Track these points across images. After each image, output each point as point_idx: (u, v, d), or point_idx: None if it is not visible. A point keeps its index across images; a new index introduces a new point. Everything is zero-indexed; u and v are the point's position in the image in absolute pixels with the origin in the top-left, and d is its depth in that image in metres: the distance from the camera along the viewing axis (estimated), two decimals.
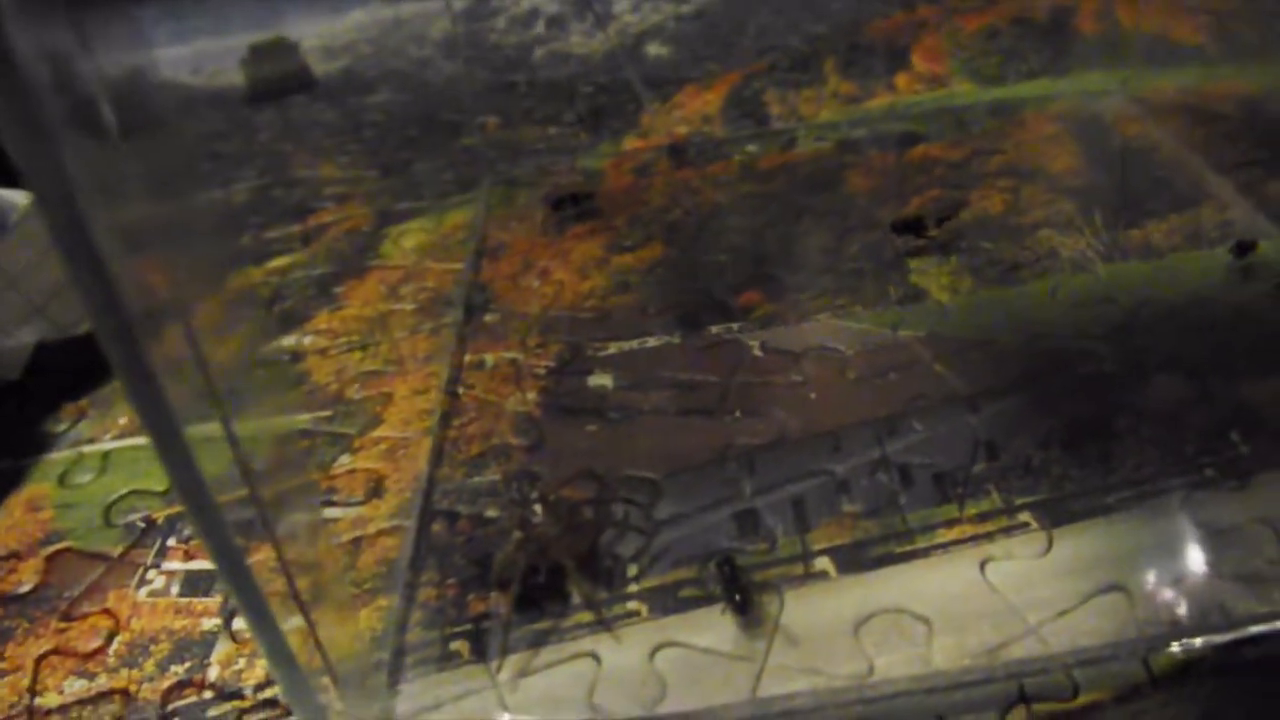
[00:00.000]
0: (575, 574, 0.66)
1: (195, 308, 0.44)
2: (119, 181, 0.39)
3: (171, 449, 0.40)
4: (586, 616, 0.64)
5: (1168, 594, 0.62)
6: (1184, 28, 1.24)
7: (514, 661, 0.62)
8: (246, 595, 0.47)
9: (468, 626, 0.64)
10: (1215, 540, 0.65)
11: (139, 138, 0.40)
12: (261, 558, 0.47)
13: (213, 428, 0.44)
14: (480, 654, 0.63)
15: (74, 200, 0.34)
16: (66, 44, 0.35)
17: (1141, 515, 0.67)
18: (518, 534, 0.67)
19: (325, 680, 0.54)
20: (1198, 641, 0.59)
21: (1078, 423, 0.74)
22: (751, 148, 1.15)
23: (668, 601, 0.65)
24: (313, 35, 1.48)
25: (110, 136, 0.38)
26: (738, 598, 0.63)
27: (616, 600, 0.65)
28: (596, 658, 0.62)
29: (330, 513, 0.73)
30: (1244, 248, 0.88)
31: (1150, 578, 0.63)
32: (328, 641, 0.53)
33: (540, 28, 1.51)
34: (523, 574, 0.65)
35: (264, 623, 0.48)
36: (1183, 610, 0.61)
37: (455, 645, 0.63)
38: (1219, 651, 0.58)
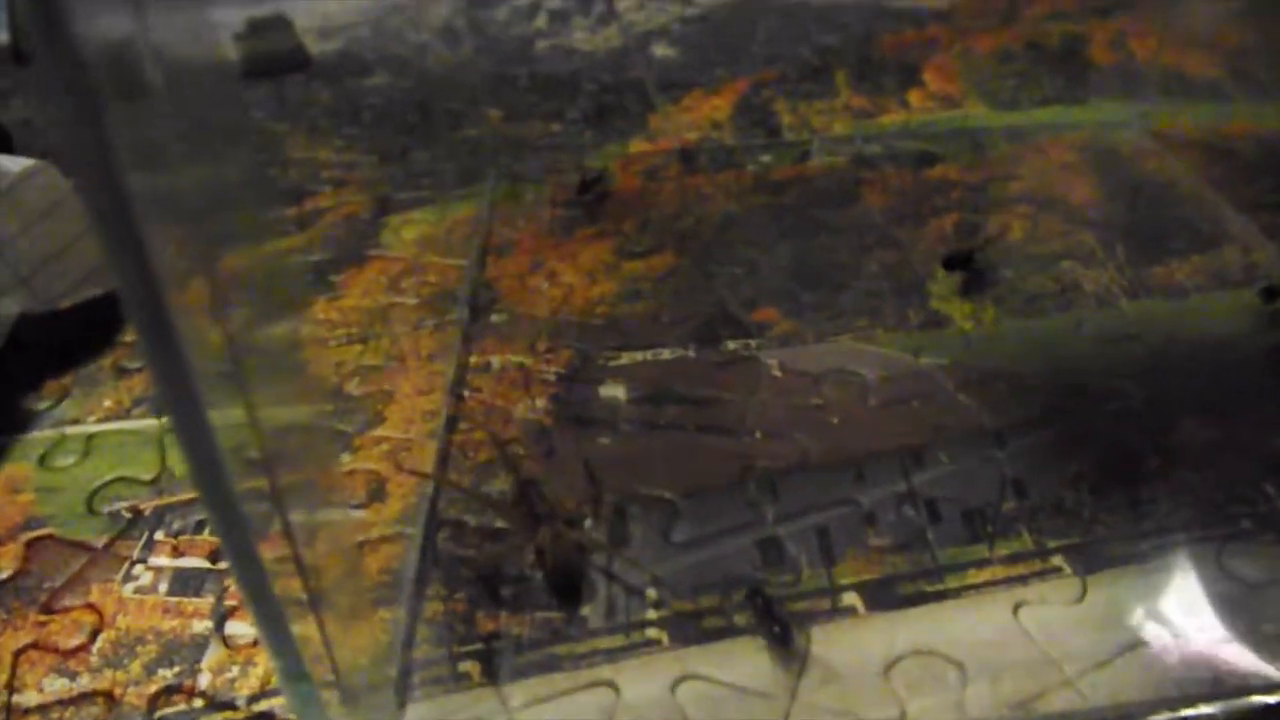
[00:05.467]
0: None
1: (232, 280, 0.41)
2: (157, 142, 0.36)
3: (193, 423, 0.37)
4: (603, 643, 0.61)
5: (1206, 651, 0.59)
6: (1199, 63, 1.23)
7: (527, 686, 0.59)
8: (261, 597, 0.43)
9: (477, 645, 0.61)
10: (1253, 596, 0.63)
11: (184, 99, 0.38)
12: (270, 556, 0.44)
13: (232, 413, 0.40)
14: (491, 675, 0.59)
15: (111, 158, 0.31)
16: None
17: (1176, 565, 0.65)
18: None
19: (328, 695, 0.50)
20: (1239, 702, 0.56)
21: (1107, 463, 0.72)
22: (765, 157, 1.13)
23: (690, 631, 0.62)
24: (309, 14, 1.46)
25: (153, 94, 0.35)
26: (777, 629, 0.60)
27: (635, 628, 0.62)
28: (615, 687, 0.59)
29: (328, 514, 0.70)
30: (1273, 293, 0.86)
31: (1188, 632, 0.60)
32: (336, 653, 0.50)
33: (542, 21, 1.49)
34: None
35: (278, 628, 0.44)
36: (1221, 669, 0.58)
37: (464, 666, 0.60)
38: (1260, 713, 0.56)
